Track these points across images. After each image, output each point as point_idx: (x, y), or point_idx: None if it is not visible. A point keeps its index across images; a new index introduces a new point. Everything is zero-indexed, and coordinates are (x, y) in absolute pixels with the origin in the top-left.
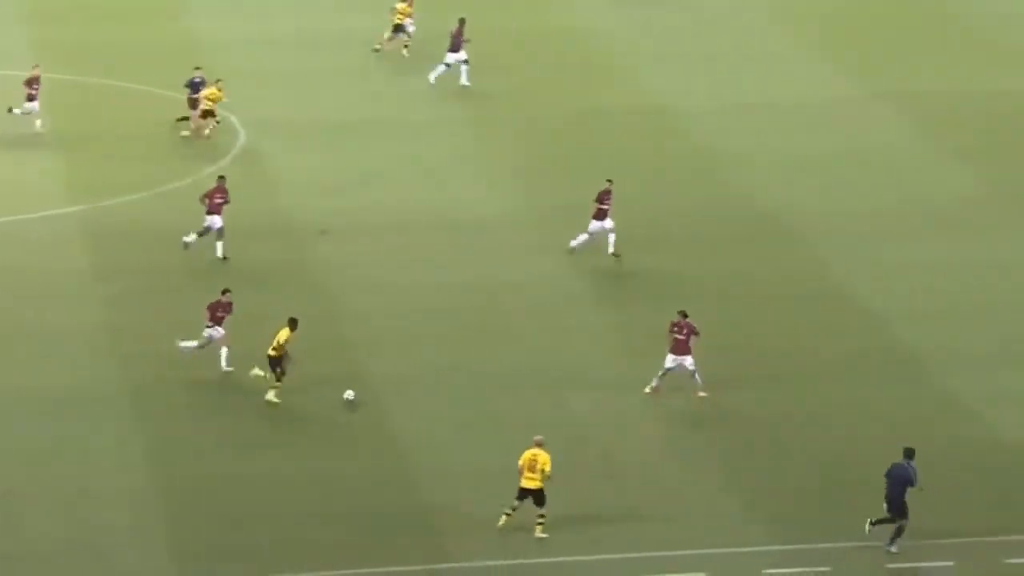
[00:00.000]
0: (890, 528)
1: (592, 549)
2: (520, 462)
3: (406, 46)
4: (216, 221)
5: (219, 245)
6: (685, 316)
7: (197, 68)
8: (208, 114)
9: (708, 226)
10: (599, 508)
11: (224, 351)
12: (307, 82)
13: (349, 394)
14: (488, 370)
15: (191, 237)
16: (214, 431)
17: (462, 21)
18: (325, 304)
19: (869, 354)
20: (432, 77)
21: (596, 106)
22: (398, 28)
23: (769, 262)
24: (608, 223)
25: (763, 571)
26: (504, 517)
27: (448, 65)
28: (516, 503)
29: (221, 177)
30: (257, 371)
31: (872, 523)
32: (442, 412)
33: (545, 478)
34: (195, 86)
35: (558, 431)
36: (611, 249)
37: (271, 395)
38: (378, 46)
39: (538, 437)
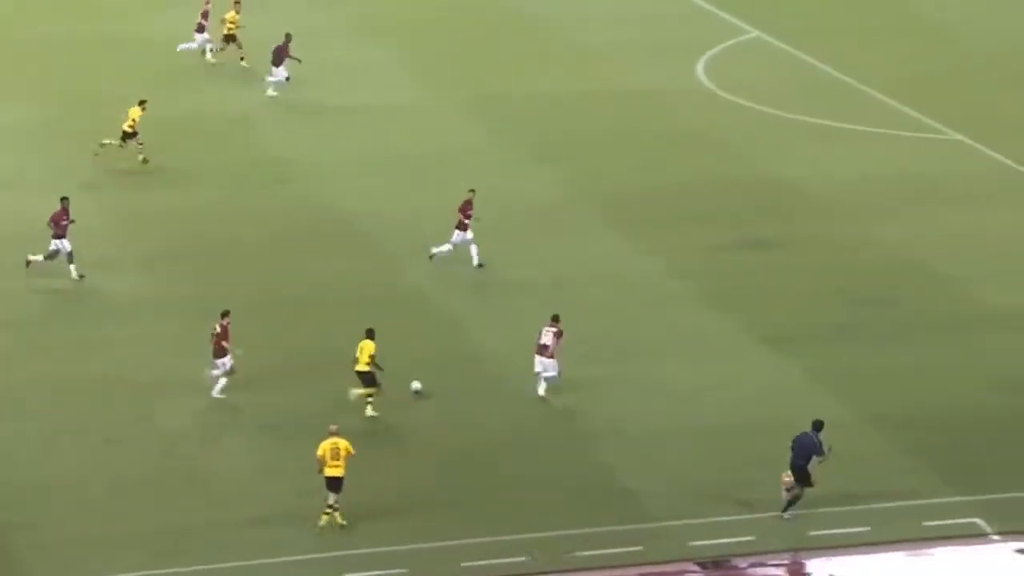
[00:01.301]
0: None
1: (178, 560)
2: (319, 453)
3: (242, 58)
4: (64, 244)
5: (72, 268)
6: (557, 320)
7: None
8: (129, 136)
9: (287, 232)
10: (185, 519)
11: (224, 380)
12: None
13: (416, 385)
14: (68, 380)
15: (37, 256)
16: None
17: (288, 36)
18: None
19: (449, 356)
20: (271, 92)
21: (169, 114)
22: (229, 38)
23: (347, 266)
24: (469, 234)
25: (343, 575)
26: (324, 516)
27: (288, 79)
28: (331, 497)
29: (64, 199)
30: (354, 391)
31: (785, 508)
32: (22, 425)
33: (348, 458)
34: None
35: (142, 442)
36: (476, 261)
37: (369, 410)
38: (212, 59)
39: (333, 427)
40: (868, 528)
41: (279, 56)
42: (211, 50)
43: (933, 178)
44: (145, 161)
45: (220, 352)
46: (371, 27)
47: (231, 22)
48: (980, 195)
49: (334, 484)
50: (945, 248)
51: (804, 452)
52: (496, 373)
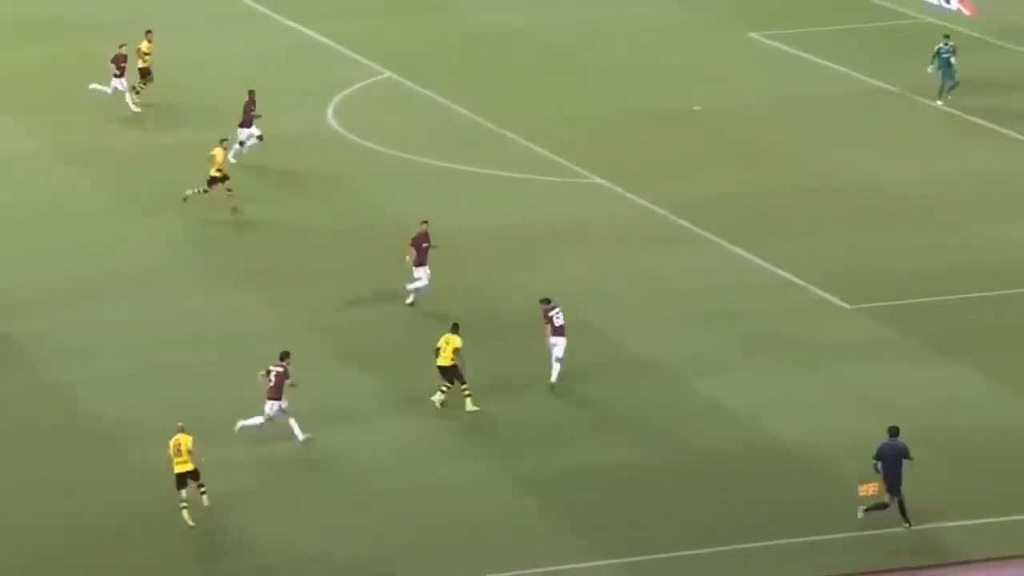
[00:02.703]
0: (880, 511)
1: None
2: (169, 451)
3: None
4: None
5: None
6: (549, 301)
7: None
8: (218, 180)
9: None
10: None
11: (293, 421)
12: None
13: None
14: None
15: None
16: None
17: (252, 94)
18: None
19: (60, 428)
20: (231, 156)
21: None
22: (145, 72)
23: None
24: (424, 270)
25: None
26: (184, 512)
27: (242, 143)
28: (182, 493)
29: None
30: (470, 406)
31: (864, 510)
32: None
33: (191, 456)
34: None
35: None
36: (409, 300)
37: (469, 404)
38: (136, 108)
39: (180, 423)
40: None
41: (247, 116)
42: (134, 100)
43: (574, 222)
44: (235, 210)
45: (276, 394)
46: None
47: (147, 53)
48: (622, 238)
49: (183, 479)
50: (589, 293)
51: (896, 459)
52: (115, 439)
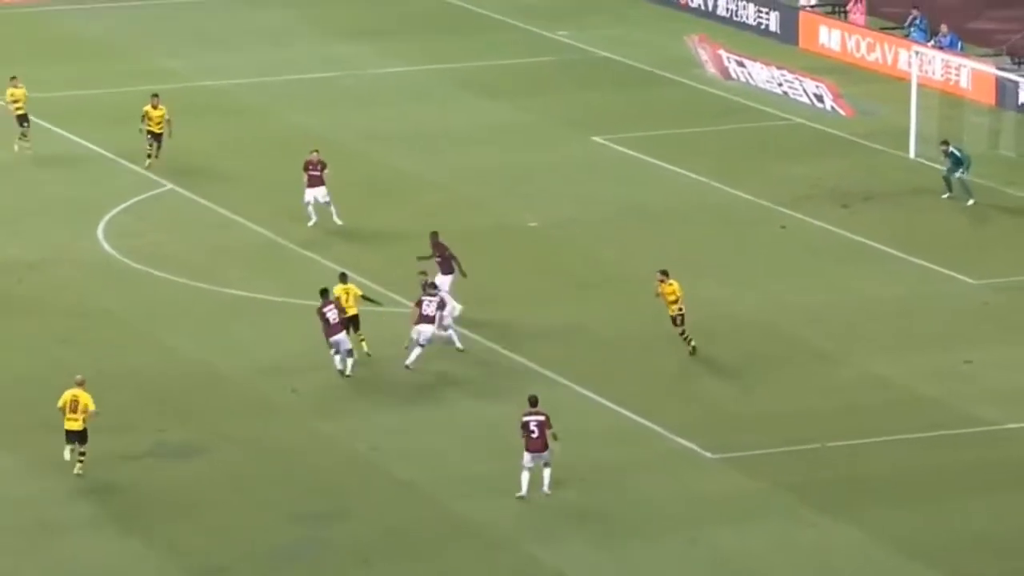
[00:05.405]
0: None
1: None
2: (60, 404)
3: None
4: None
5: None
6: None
7: None
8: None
9: None
10: None
11: (548, 471)
12: None
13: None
14: None
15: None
16: None
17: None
18: None
19: None
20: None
21: None
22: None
23: None
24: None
25: None
26: (78, 464)
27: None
28: (68, 447)
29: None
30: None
31: None
32: None
33: (89, 417)
34: None
35: None
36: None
37: (364, 346)
38: (339, 220)
39: (79, 377)
40: None
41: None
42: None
43: (389, 362)
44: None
45: (541, 446)
46: None
47: (13, 100)
48: (450, 381)
49: (71, 436)
50: (401, 447)
51: None
52: None
